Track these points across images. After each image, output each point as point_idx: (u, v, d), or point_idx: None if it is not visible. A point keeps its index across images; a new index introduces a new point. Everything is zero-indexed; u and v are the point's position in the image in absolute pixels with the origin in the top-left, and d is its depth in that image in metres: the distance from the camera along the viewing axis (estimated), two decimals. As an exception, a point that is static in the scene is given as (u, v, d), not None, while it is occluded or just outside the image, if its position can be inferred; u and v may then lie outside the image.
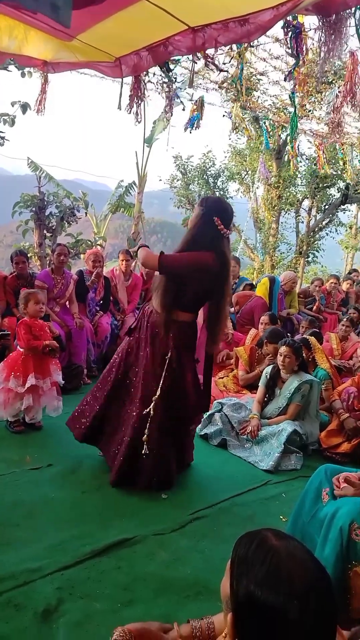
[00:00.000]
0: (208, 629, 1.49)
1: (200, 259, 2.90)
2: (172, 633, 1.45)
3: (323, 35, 2.29)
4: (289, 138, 7.29)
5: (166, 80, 4.84)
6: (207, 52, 3.08)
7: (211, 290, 3.02)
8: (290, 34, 2.55)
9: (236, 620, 0.98)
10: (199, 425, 4.13)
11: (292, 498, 3.08)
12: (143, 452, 2.96)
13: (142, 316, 3.17)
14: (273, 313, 5.67)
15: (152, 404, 2.97)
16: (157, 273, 3.05)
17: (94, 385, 3.37)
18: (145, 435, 2.96)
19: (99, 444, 3.27)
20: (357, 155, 9.47)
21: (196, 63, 3.29)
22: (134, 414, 3.04)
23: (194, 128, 6.29)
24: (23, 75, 7.08)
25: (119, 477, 3.04)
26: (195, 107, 6.23)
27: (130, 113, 3.89)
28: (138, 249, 3.08)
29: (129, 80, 3.91)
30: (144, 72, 3.69)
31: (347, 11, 2.25)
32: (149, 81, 4.61)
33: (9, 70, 7.05)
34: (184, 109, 6.17)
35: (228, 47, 4.39)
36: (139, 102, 3.85)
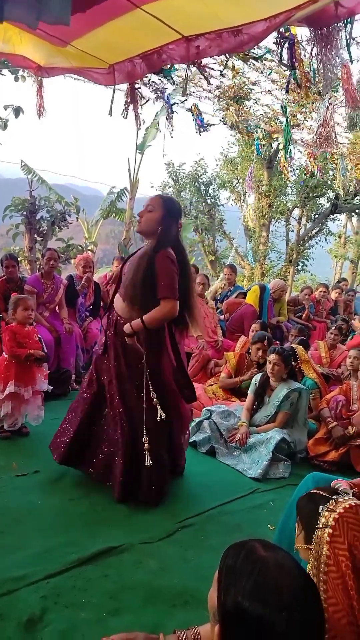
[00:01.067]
0: (194, 639, 1.48)
1: (173, 261, 2.84)
2: (158, 643, 1.44)
3: (316, 47, 2.31)
4: (282, 147, 7.37)
5: (160, 87, 4.87)
6: (201, 61, 3.11)
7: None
8: (284, 44, 2.58)
9: (223, 632, 0.97)
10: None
11: (279, 506, 3.07)
12: (147, 463, 2.84)
13: (109, 326, 3.04)
14: (264, 321, 5.69)
15: (144, 416, 2.87)
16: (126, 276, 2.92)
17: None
18: (145, 445, 2.85)
19: (80, 466, 3.13)
20: (347, 164, 9.57)
21: (190, 70, 3.31)
22: (120, 430, 2.95)
23: (204, 129, 6.31)
24: (16, 79, 7.08)
25: (123, 492, 2.95)
26: (193, 111, 6.27)
27: (126, 117, 3.90)
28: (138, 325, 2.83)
29: (121, 86, 3.93)
30: (138, 80, 3.71)
31: (339, 24, 2.28)
32: (140, 87, 4.62)
33: (2, 74, 7.05)
34: (170, 115, 6.17)
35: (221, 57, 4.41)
36: (136, 107, 3.87)
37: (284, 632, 0.89)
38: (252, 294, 6.61)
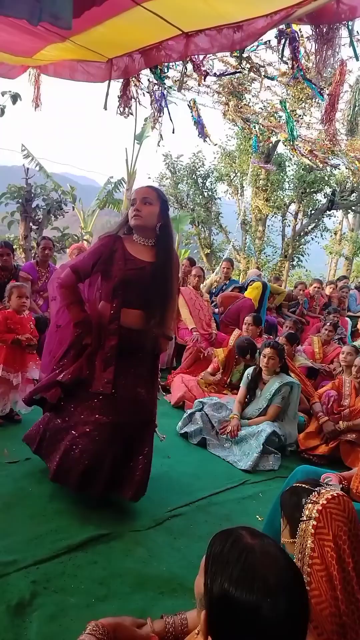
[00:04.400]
0: (181, 624, 1.51)
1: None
2: (145, 628, 1.47)
3: (316, 45, 2.32)
4: (285, 139, 7.38)
5: (156, 82, 4.83)
6: (196, 59, 3.11)
7: None
8: (284, 41, 2.59)
9: (210, 618, 0.99)
10: (180, 423, 4.16)
11: (269, 498, 3.12)
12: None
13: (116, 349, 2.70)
14: (258, 315, 5.72)
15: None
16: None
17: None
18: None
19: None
20: (346, 161, 9.59)
21: (186, 67, 3.30)
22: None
23: (202, 134, 6.27)
24: (14, 66, 7.00)
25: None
26: (192, 108, 6.23)
27: (122, 114, 3.90)
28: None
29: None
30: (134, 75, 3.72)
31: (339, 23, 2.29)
32: (138, 81, 4.57)
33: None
34: (160, 114, 6.10)
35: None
36: (129, 103, 3.87)
37: (270, 618, 0.92)
38: (255, 290, 6.64)
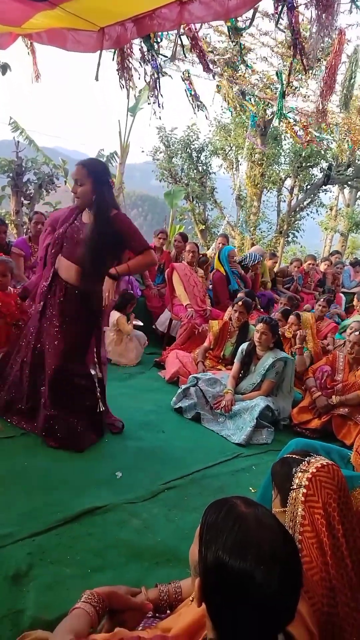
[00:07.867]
0: (175, 592, 1.54)
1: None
2: (139, 596, 1.49)
3: (315, 11, 2.25)
4: (275, 117, 7.24)
5: (150, 52, 4.68)
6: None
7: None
8: (282, 8, 2.50)
9: (204, 585, 1.01)
10: (174, 398, 4.18)
11: (262, 470, 3.16)
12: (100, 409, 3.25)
13: (54, 293, 3.12)
14: (251, 291, 5.71)
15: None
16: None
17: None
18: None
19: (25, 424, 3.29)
20: (340, 135, 9.45)
21: (181, 40, 3.20)
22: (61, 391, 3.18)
23: (200, 107, 6.13)
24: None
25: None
26: (185, 80, 6.06)
27: (125, 87, 3.83)
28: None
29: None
30: (127, 45, 3.61)
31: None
32: (131, 52, 4.44)
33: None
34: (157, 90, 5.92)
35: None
36: (131, 75, 3.77)
37: (263, 586, 0.93)
38: (216, 260, 6.62)
